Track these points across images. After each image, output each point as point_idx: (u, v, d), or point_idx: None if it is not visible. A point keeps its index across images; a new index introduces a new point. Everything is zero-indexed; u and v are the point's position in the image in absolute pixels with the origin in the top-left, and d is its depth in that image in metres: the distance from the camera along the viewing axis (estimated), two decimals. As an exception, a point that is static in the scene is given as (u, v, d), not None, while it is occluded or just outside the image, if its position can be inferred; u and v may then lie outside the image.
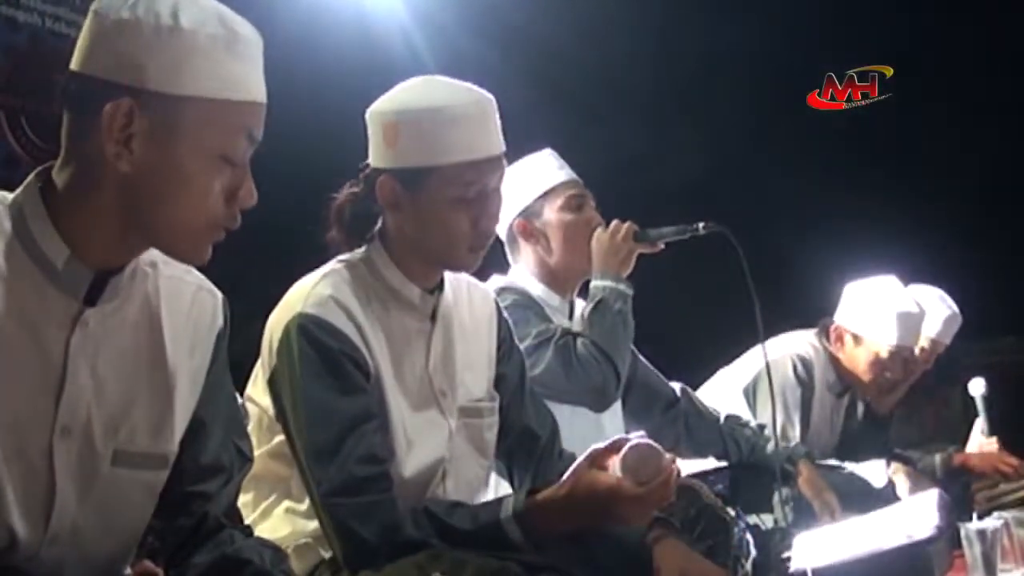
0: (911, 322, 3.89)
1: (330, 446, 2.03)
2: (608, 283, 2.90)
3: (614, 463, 1.98)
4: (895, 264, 4.61)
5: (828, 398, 3.90)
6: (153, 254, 1.65)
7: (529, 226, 3.00)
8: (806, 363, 3.84)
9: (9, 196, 1.55)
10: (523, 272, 3.01)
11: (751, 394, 3.74)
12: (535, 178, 3.02)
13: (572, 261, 2.98)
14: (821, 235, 4.29)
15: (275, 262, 2.25)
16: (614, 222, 2.98)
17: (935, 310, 4.39)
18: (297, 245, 2.26)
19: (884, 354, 3.85)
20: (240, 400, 2.26)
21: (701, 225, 2.94)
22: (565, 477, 2.06)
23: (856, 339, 3.88)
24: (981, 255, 7.37)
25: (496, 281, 2.91)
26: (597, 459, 2.03)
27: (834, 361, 3.89)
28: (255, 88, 1.56)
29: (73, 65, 1.52)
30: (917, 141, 7.22)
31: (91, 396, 1.56)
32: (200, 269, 1.74)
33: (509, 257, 3.07)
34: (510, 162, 2.97)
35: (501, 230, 3.04)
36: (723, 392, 3.70)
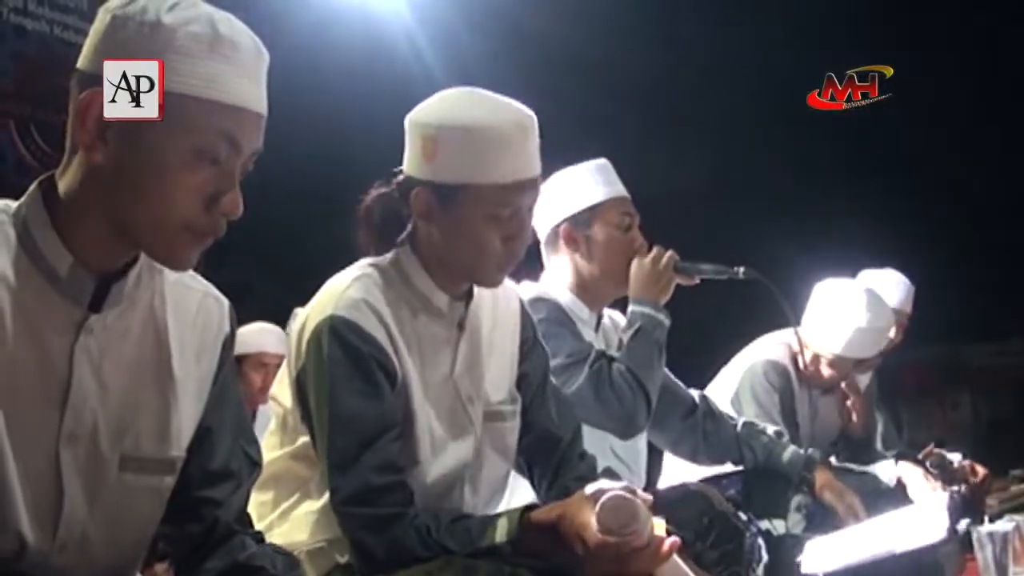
0: (864, 336, 3.82)
1: (350, 453, 2.03)
2: (647, 310, 2.89)
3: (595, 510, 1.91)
4: (901, 264, 4.62)
5: (814, 396, 3.87)
6: None
7: (575, 233, 2.97)
8: (776, 366, 3.81)
9: (13, 204, 1.56)
10: (555, 279, 2.99)
11: (737, 404, 3.74)
12: (590, 187, 2.99)
13: (609, 277, 2.95)
14: (826, 235, 4.29)
15: (284, 268, 2.25)
16: (656, 249, 2.95)
17: (888, 283, 4.43)
18: (306, 251, 2.26)
19: (828, 358, 3.83)
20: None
21: (741, 270, 2.95)
22: (560, 503, 2.03)
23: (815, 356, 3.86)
24: (990, 256, 7.37)
25: (528, 289, 2.89)
26: (597, 495, 1.96)
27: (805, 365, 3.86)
28: (240, 93, 1.54)
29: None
30: (925, 141, 7.22)
31: (96, 402, 1.56)
32: (209, 276, 1.74)
33: (544, 259, 3.04)
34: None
35: (543, 231, 3.03)
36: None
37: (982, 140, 7.23)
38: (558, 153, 3.09)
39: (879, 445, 4.46)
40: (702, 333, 3.96)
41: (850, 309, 3.79)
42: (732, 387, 3.79)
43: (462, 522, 2.06)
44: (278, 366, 4.79)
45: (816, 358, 3.82)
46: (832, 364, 3.82)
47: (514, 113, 2.16)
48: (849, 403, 4.02)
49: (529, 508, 2.05)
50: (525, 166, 2.15)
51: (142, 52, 1.48)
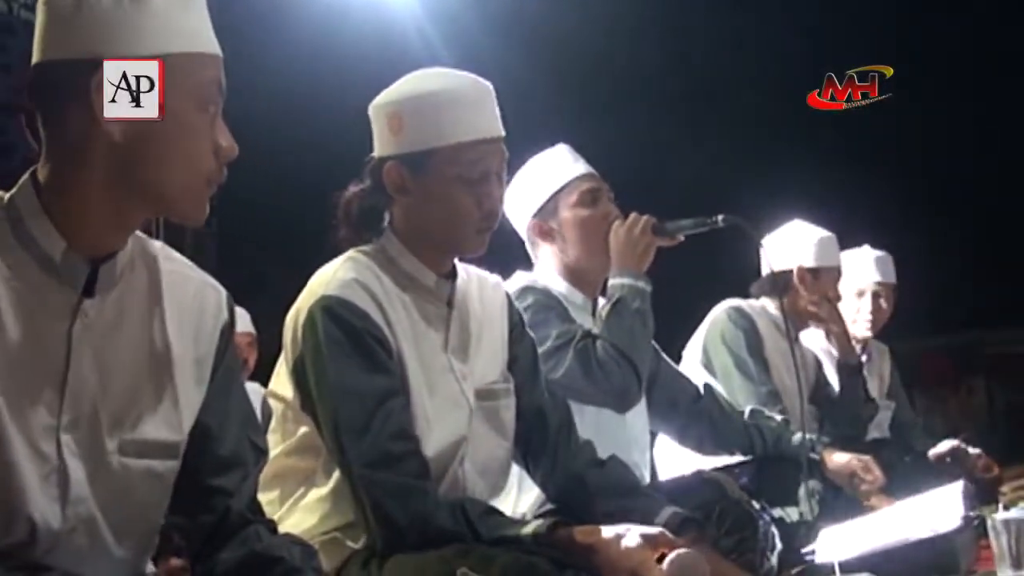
0: (831, 243, 4.05)
1: (361, 421, 2.05)
2: (626, 280, 2.86)
3: (665, 562, 1.97)
4: (917, 252, 4.62)
5: (785, 347, 3.87)
6: (152, 248, 1.68)
7: (545, 226, 2.95)
8: (740, 310, 3.86)
9: (5, 195, 1.58)
10: (546, 270, 2.98)
11: (708, 363, 3.75)
12: (548, 175, 2.97)
13: (591, 258, 2.93)
14: (840, 224, 4.29)
15: (299, 262, 2.27)
16: (632, 215, 2.92)
17: (866, 257, 4.54)
18: (321, 245, 2.28)
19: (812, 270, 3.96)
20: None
21: (720, 218, 2.89)
22: (599, 528, 2.04)
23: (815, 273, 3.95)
24: (1006, 244, 7.35)
25: (519, 279, 2.89)
26: (658, 541, 2.01)
27: (788, 307, 3.89)
28: (211, 40, 1.61)
29: (36, 58, 1.56)
30: (939, 128, 7.21)
31: (96, 386, 1.58)
32: (223, 268, 1.75)
33: (532, 257, 3.03)
34: (526, 155, 2.98)
35: (521, 232, 3.02)
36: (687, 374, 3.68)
37: (999, 128, 7.21)
38: (569, 143, 3.09)
39: (887, 432, 4.47)
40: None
41: (803, 228, 4.04)
42: (698, 352, 3.80)
43: (494, 516, 2.09)
44: (249, 344, 4.86)
45: (815, 277, 3.92)
46: (824, 278, 3.94)
47: (470, 78, 2.26)
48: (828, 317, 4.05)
49: (561, 522, 2.07)
50: (487, 125, 2.23)
51: (127, 24, 1.52)
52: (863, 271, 4.46)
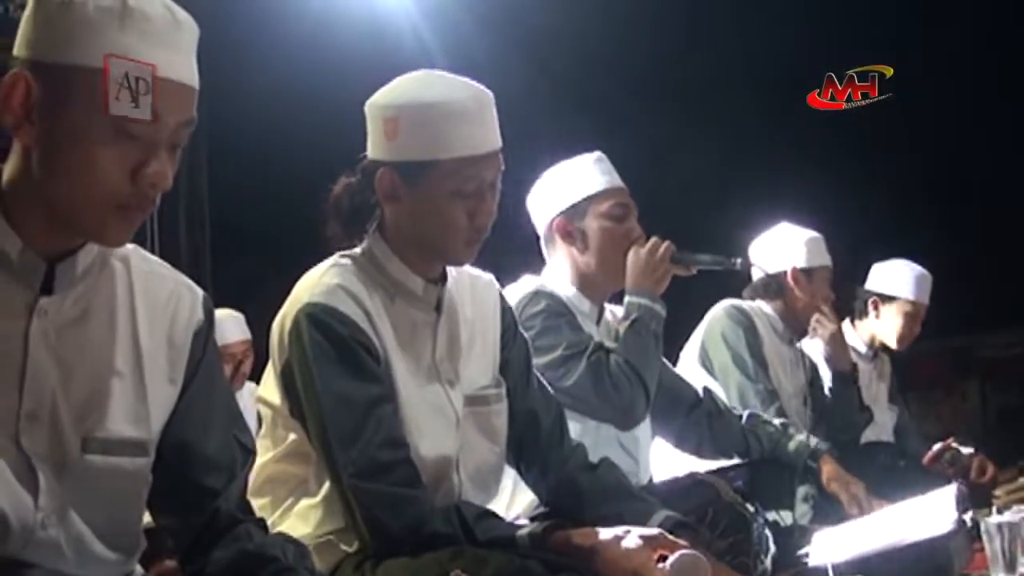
0: (820, 243, 4.06)
1: (351, 430, 2.04)
2: (644, 301, 2.89)
3: (667, 563, 1.97)
4: (911, 254, 4.64)
5: (782, 349, 3.89)
6: (124, 249, 1.68)
7: (569, 226, 2.97)
8: (739, 308, 3.88)
9: None
10: (556, 273, 2.99)
11: (707, 361, 3.76)
12: (582, 179, 2.99)
13: (605, 270, 2.95)
14: (835, 226, 4.30)
15: (296, 264, 2.26)
16: (653, 239, 2.95)
17: (924, 278, 4.59)
18: (317, 247, 2.27)
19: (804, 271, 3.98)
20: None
21: (738, 260, 2.99)
22: (595, 531, 2.04)
23: (808, 274, 3.97)
24: (999, 246, 7.36)
25: (529, 283, 2.90)
26: (658, 541, 2.01)
27: (784, 309, 3.90)
28: (153, 63, 1.53)
29: None
30: (934, 131, 7.22)
31: (56, 383, 1.58)
32: (221, 272, 1.75)
33: (544, 254, 3.04)
34: (520, 156, 2.99)
35: (540, 228, 3.04)
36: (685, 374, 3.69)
37: (991, 130, 7.23)
38: (560, 144, 3.10)
39: (891, 436, 4.48)
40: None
41: (792, 230, 4.03)
42: (695, 351, 3.81)
43: (489, 519, 2.09)
44: (244, 352, 4.86)
45: (809, 277, 3.94)
46: (817, 277, 3.96)
47: (471, 88, 2.19)
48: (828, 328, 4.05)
49: (557, 525, 2.07)
50: (485, 139, 2.18)
51: (55, 30, 1.51)
52: (922, 290, 4.53)
